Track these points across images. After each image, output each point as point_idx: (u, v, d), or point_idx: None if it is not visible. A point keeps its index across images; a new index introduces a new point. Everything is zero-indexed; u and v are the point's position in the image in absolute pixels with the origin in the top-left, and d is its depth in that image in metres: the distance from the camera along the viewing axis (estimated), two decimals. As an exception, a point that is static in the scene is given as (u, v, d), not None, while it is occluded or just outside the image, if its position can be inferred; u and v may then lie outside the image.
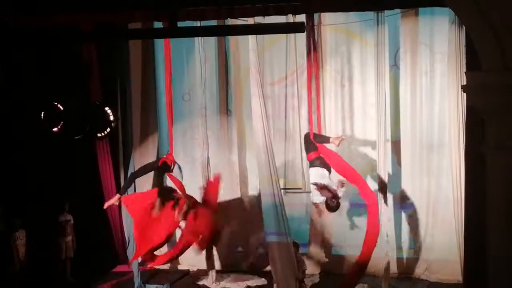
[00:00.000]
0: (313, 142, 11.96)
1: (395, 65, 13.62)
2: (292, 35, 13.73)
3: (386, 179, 12.65)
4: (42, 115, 13.02)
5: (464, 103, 11.24)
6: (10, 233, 12.87)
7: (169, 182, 13.24)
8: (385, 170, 12.59)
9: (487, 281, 8.77)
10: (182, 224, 12.06)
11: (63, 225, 13.91)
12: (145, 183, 13.97)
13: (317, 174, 11.83)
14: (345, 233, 13.97)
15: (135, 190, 13.81)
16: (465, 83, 9.11)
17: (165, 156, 12.86)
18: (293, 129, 14.25)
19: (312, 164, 12.08)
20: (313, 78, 12.59)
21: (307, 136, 12.18)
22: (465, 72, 9.36)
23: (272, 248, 12.92)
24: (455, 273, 12.90)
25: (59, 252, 13.81)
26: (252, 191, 14.56)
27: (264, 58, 13.98)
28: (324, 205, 11.91)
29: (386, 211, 12.63)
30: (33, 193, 13.51)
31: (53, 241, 13.80)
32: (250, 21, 12.32)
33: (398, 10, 12.94)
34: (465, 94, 9.58)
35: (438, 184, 13.45)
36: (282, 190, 12.96)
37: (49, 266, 13.62)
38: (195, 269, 14.84)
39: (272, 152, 12.63)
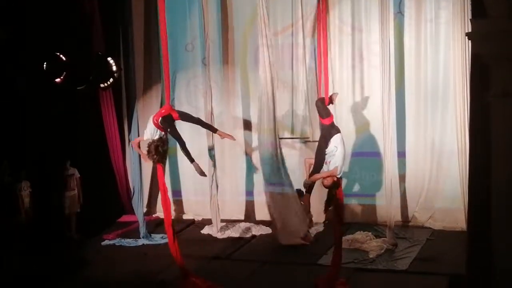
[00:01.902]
0: (326, 107, 10.96)
1: (399, 13, 13.49)
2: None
3: (390, 128, 12.62)
4: (45, 66, 12.98)
5: (469, 51, 11.15)
6: (15, 184, 12.90)
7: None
8: (389, 119, 12.55)
9: (490, 229, 8.82)
10: None
11: (65, 179, 13.75)
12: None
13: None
14: (349, 182, 13.99)
15: (138, 130, 13.81)
16: (470, 30, 9.04)
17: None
18: (297, 80, 14.17)
19: (331, 133, 10.66)
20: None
21: (322, 102, 10.91)
22: (470, 19, 9.27)
23: (273, 198, 13.02)
24: (459, 221, 12.96)
25: (62, 207, 13.69)
26: (256, 140, 14.56)
27: (269, 7, 13.83)
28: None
29: (390, 159, 12.62)
30: (36, 145, 13.52)
31: (55, 196, 13.74)
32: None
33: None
34: (470, 41, 9.50)
35: (443, 133, 13.43)
36: (280, 140, 12.94)
37: (53, 221, 13.64)
38: (200, 218, 14.94)
39: (273, 102, 12.60)
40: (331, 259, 10.69)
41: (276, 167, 12.77)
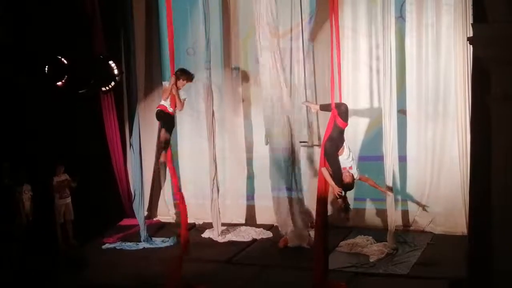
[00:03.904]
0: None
1: (401, 17, 13.49)
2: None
3: (391, 132, 12.64)
4: (46, 69, 12.97)
5: (470, 55, 11.16)
6: (16, 187, 12.86)
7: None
8: (390, 123, 12.57)
9: (491, 233, 8.82)
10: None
11: (61, 186, 13.59)
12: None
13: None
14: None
15: (139, 133, 13.80)
16: (471, 35, 9.05)
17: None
18: (298, 82, 14.16)
19: (342, 138, 10.72)
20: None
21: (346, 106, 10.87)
22: (471, 24, 9.28)
23: (281, 202, 13.05)
24: (460, 225, 12.96)
25: (58, 215, 13.51)
26: (258, 144, 14.57)
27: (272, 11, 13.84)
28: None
29: (391, 163, 12.63)
30: (37, 148, 13.49)
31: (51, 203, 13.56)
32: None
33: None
34: (471, 46, 9.51)
35: (444, 137, 13.42)
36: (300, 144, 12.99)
37: (53, 225, 13.60)
38: (200, 222, 14.92)
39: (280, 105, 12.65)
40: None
41: (286, 171, 12.82)
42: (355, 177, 10.63)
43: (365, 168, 13.71)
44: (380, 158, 13.19)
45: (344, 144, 10.55)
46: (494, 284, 8.95)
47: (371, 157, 13.81)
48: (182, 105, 11.03)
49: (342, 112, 10.51)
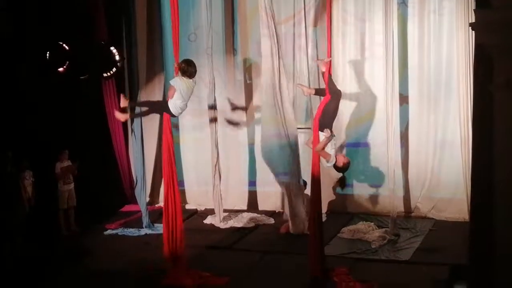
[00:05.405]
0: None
1: (403, 3, 13.45)
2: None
3: (393, 118, 12.62)
4: (47, 55, 12.96)
5: (473, 41, 11.13)
6: (18, 174, 12.88)
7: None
8: (392, 110, 12.55)
9: (493, 219, 8.82)
10: None
11: (64, 172, 13.55)
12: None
13: None
14: (351, 173, 13.98)
15: (141, 119, 13.79)
16: (473, 20, 9.02)
17: None
18: (300, 69, 14.13)
19: None
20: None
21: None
22: (474, 10, 9.25)
23: (284, 187, 13.07)
24: (461, 211, 12.97)
25: (62, 201, 13.53)
26: (258, 129, 14.55)
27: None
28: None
29: (392, 149, 12.61)
30: (38, 135, 13.51)
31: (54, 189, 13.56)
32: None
33: None
34: (473, 32, 9.48)
35: (446, 124, 13.42)
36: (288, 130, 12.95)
37: (55, 211, 13.60)
38: (202, 208, 14.94)
39: (281, 92, 12.62)
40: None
41: (287, 157, 12.82)
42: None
43: (364, 154, 13.81)
44: (380, 144, 13.23)
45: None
46: (496, 270, 8.95)
47: (371, 143, 13.84)
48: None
49: (337, 96, 10.61)
